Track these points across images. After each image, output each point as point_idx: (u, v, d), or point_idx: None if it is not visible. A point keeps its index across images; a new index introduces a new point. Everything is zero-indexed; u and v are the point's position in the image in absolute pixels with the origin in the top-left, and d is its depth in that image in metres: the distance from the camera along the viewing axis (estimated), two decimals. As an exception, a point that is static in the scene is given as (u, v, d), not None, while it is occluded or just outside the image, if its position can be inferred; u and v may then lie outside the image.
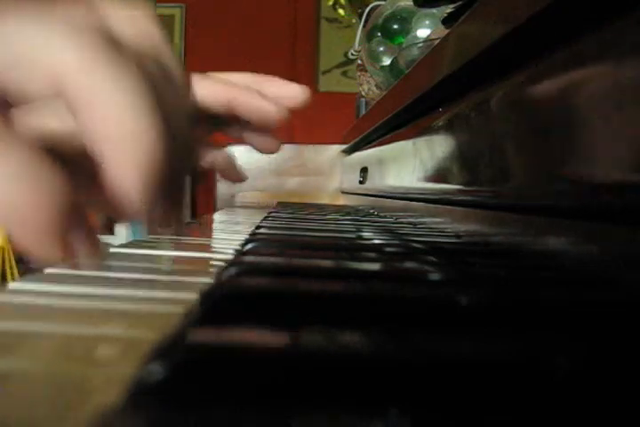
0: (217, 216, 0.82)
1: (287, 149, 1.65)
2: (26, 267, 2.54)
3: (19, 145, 0.18)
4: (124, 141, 0.20)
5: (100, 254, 0.20)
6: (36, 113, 0.21)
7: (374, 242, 0.43)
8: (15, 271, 2.48)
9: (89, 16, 0.21)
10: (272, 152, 0.45)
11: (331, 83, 2.99)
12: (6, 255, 2.50)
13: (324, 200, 1.45)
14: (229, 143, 0.51)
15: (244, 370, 0.13)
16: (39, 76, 0.19)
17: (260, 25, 3.02)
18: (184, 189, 0.25)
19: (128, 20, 0.23)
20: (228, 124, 0.46)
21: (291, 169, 1.59)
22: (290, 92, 0.43)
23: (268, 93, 0.43)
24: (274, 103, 0.42)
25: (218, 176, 0.47)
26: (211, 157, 0.46)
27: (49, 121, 0.21)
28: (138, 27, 0.23)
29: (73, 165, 0.22)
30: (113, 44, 0.20)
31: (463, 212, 0.39)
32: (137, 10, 0.24)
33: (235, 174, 0.48)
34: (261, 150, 0.46)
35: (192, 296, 0.22)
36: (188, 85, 0.25)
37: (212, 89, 0.42)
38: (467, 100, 0.38)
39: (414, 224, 0.54)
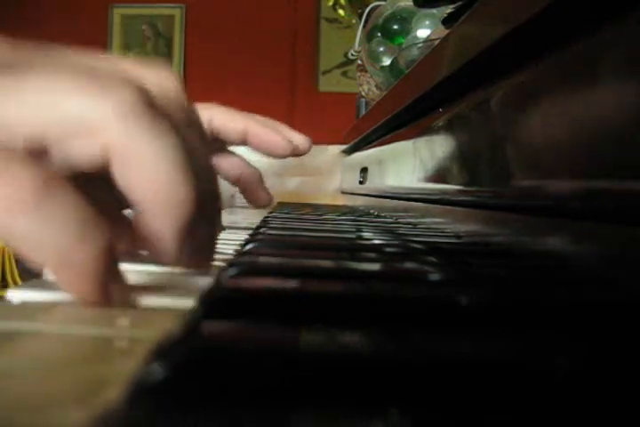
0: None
1: (287, 150, 1.64)
2: (26, 267, 2.54)
3: (64, 191, 0.18)
4: (164, 207, 0.21)
5: (129, 293, 0.21)
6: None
7: (374, 242, 0.43)
8: (15, 272, 2.48)
9: (119, 71, 0.22)
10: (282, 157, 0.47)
11: (331, 83, 2.99)
12: (6, 256, 2.50)
13: (324, 200, 1.45)
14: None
15: (245, 370, 0.13)
16: (80, 134, 0.20)
17: (260, 25, 3.02)
18: (215, 230, 0.26)
19: (150, 74, 0.24)
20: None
21: (290, 169, 1.60)
22: (296, 139, 0.46)
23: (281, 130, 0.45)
24: (286, 139, 0.45)
25: (242, 196, 0.48)
26: (236, 172, 0.47)
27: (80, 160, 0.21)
28: (159, 80, 0.24)
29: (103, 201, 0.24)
30: (149, 100, 0.21)
31: (463, 212, 0.39)
32: (155, 65, 0.25)
33: (260, 197, 0.49)
34: (254, 204, 0.47)
35: (192, 296, 0.22)
36: (204, 130, 0.26)
37: (232, 118, 0.45)
38: (467, 100, 0.38)
39: (414, 224, 0.54)
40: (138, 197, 0.21)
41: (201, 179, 0.22)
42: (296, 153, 0.46)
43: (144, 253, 0.24)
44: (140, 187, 0.21)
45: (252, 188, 0.47)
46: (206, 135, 0.26)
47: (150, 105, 0.21)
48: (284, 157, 0.45)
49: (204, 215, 0.23)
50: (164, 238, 0.22)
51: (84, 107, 0.20)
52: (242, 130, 0.44)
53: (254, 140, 0.45)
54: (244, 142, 0.46)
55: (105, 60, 0.24)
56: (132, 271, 0.25)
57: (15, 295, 0.22)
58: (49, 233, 0.18)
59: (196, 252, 0.25)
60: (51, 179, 0.18)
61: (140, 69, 0.24)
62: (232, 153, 0.47)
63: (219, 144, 0.46)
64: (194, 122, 0.25)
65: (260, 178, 0.48)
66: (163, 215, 0.21)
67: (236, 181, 0.47)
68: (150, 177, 0.21)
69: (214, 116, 0.44)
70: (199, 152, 0.23)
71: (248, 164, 0.47)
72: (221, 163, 0.46)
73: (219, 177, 0.47)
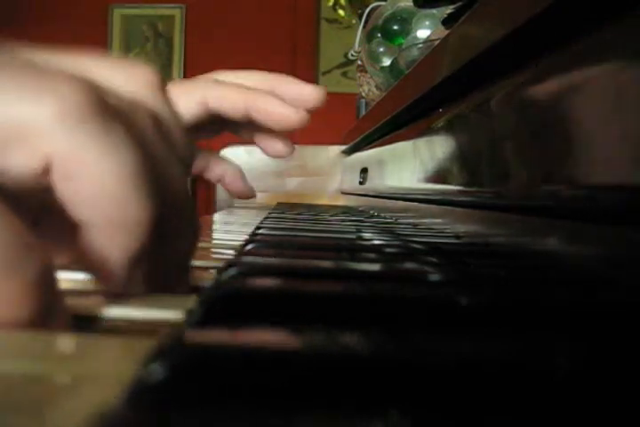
0: (217, 217, 0.82)
1: (287, 150, 1.65)
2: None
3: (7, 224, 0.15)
4: (111, 228, 0.18)
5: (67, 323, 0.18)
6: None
7: (374, 243, 0.43)
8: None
9: (73, 69, 0.19)
10: (282, 156, 0.44)
11: (331, 83, 2.99)
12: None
13: (324, 201, 1.45)
14: (229, 144, 0.51)
15: (244, 370, 0.13)
16: (16, 142, 0.17)
17: (260, 25, 3.02)
18: (184, 254, 0.23)
19: (124, 70, 0.21)
20: (239, 126, 0.45)
21: (291, 170, 1.60)
22: (305, 93, 0.41)
23: (284, 96, 0.40)
24: (292, 107, 0.40)
25: (224, 190, 0.46)
26: (219, 171, 0.45)
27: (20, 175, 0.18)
28: (134, 78, 0.21)
29: (45, 217, 0.21)
30: (100, 101, 0.18)
31: (463, 212, 0.39)
32: (132, 63, 0.22)
33: (242, 190, 0.46)
34: (271, 154, 0.44)
35: (192, 297, 0.21)
36: (183, 134, 0.23)
37: (228, 96, 0.40)
38: (467, 100, 0.38)
39: (414, 225, 0.54)
40: (82, 215, 0.18)
41: (167, 195, 0.20)
42: (308, 108, 0.40)
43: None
44: (84, 204, 0.18)
45: (233, 183, 0.46)
46: (181, 142, 0.22)
47: (102, 107, 0.18)
48: (293, 127, 0.41)
49: (168, 237, 0.20)
50: (111, 264, 0.19)
51: (20, 109, 0.17)
52: (242, 105, 0.39)
53: (257, 115, 0.40)
54: (247, 118, 0.42)
55: (68, 58, 0.20)
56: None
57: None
58: None
59: (162, 279, 0.22)
60: None
61: (109, 67, 0.21)
62: (212, 151, 0.45)
63: (216, 126, 0.43)
64: (167, 128, 0.21)
65: (240, 172, 0.46)
66: (110, 238, 0.18)
67: (218, 178, 0.45)
68: (95, 192, 0.18)
69: (209, 94, 0.40)
70: (167, 163, 0.20)
71: (227, 160, 0.46)
72: (201, 163, 0.44)
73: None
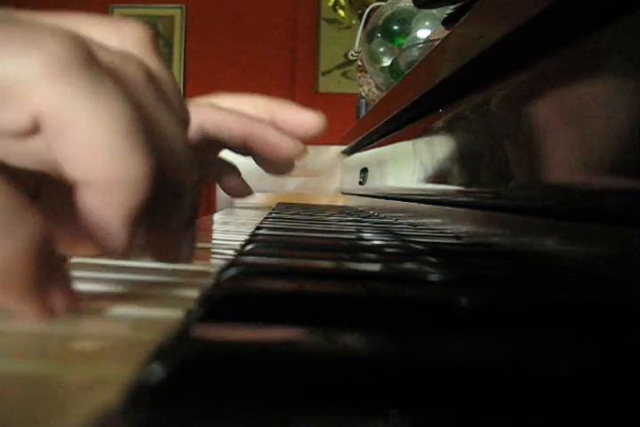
0: (217, 217, 0.82)
1: (287, 150, 1.65)
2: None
3: None
4: (108, 184, 0.18)
5: (77, 302, 0.18)
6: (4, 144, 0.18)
7: (374, 243, 0.43)
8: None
9: (62, 25, 0.18)
10: (282, 174, 0.43)
11: (331, 84, 2.99)
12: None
13: (324, 201, 1.45)
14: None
15: (245, 370, 0.13)
16: (4, 99, 0.16)
17: (260, 26, 3.02)
18: (185, 215, 0.22)
19: (113, 29, 0.20)
20: (237, 149, 0.44)
21: (290, 170, 1.59)
22: (306, 121, 0.41)
23: (283, 125, 0.40)
24: (290, 138, 0.40)
25: (222, 190, 0.46)
26: (216, 171, 0.44)
27: (18, 151, 0.18)
28: (124, 36, 0.20)
29: (45, 192, 0.20)
30: (90, 55, 0.17)
31: (463, 213, 0.39)
32: (125, 21, 0.21)
33: (239, 188, 0.46)
34: (270, 172, 0.44)
35: (192, 297, 0.22)
36: (179, 93, 0.22)
37: (226, 124, 0.40)
38: (467, 101, 0.38)
39: (414, 225, 0.54)
40: (76, 173, 0.17)
41: (164, 150, 0.19)
42: (309, 135, 0.41)
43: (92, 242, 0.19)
44: (78, 161, 0.17)
45: (231, 182, 0.45)
46: (175, 97, 0.22)
47: (91, 60, 0.17)
48: (291, 159, 0.41)
49: (169, 197, 0.20)
50: (110, 224, 0.18)
51: (6, 64, 0.16)
52: (240, 134, 0.38)
53: (255, 145, 0.41)
54: (244, 147, 0.42)
55: (56, 18, 0.19)
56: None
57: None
58: None
59: (163, 240, 0.21)
60: None
61: (98, 25, 0.20)
62: (207, 151, 0.45)
63: (215, 149, 0.44)
64: (160, 83, 0.21)
65: (237, 171, 0.46)
66: (107, 195, 0.18)
67: (215, 178, 0.45)
68: (89, 148, 0.17)
69: (207, 121, 0.39)
70: (162, 117, 0.20)
71: (223, 160, 0.46)
72: (201, 162, 0.44)
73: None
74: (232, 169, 0.44)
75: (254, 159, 0.43)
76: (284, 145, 0.39)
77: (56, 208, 0.20)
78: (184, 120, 0.22)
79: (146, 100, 0.19)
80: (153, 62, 0.21)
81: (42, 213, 0.16)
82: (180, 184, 0.21)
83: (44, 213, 0.17)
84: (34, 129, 0.17)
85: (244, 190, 0.45)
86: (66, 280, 0.18)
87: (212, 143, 0.41)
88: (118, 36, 0.20)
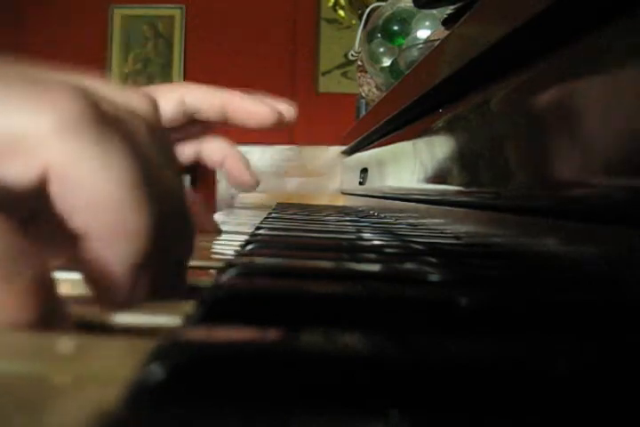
0: (217, 217, 0.82)
1: (287, 150, 1.65)
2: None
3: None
4: (111, 237, 0.18)
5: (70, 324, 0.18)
6: None
7: (374, 243, 0.43)
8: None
9: (68, 80, 0.19)
10: (247, 187, 0.44)
11: (331, 84, 2.99)
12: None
13: (324, 201, 1.45)
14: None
15: (244, 371, 0.13)
16: (14, 153, 0.17)
17: (260, 26, 3.02)
18: (182, 267, 0.23)
19: (119, 92, 0.21)
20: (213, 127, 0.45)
21: (290, 170, 1.60)
22: (257, 112, 0.41)
23: (234, 115, 0.41)
24: (267, 106, 0.40)
25: (227, 180, 0.45)
26: (219, 155, 0.44)
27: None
28: (127, 97, 0.21)
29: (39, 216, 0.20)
30: (99, 112, 0.18)
31: (463, 213, 0.39)
32: (134, 90, 0.22)
33: (245, 177, 0.45)
34: (234, 184, 0.44)
35: (191, 300, 0.21)
36: (174, 149, 0.23)
37: (206, 95, 0.41)
38: (467, 101, 0.38)
39: (414, 225, 0.54)
40: (81, 225, 0.18)
41: (165, 205, 0.19)
42: (281, 121, 0.40)
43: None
44: (82, 213, 0.18)
45: (236, 170, 0.45)
46: (176, 158, 0.23)
47: (99, 116, 0.18)
48: (270, 126, 0.42)
49: (168, 247, 0.20)
50: (112, 275, 0.19)
51: (19, 120, 0.17)
52: (219, 104, 0.40)
53: (234, 114, 0.40)
54: (224, 118, 0.42)
55: (65, 76, 0.20)
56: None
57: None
58: None
59: (162, 280, 0.21)
60: None
61: (109, 88, 0.21)
62: (214, 136, 0.44)
63: (197, 127, 0.42)
64: (163, 143, 0.21)
65: (244, 160, 0.45)
66: (111, 247, 0.18)
67: (219, 163, 0.44)
68: (94, 201, 0.17)
69: (187, 95, 0.40)
70: (162, 166, 0.20)
71: (231, 146, 0.45)
72: (204, 147, 0.43)
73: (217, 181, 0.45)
74: (237, 154, 0.44)
75: (224, 174, 0.44)
76: (262, 112, 0.40)
77: (47, 235, 0.20)
78: (180, 168, 0.23)
79: (147, 150, 0.20)
80: (151, 111, 0.21)
81: (37, 246, 0.16)
82: (176, 227, 0.21)
83: (39, 246, 0.17)
84: (41, 181, 0.17)
85: (249, 180, 0.45)
86: (65, 313, 0.18)
87: (194, 119, 0.41)
88: (125, 97, 0.21)
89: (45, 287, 0.16)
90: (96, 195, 0.17)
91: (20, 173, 0.17)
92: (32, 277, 0.16)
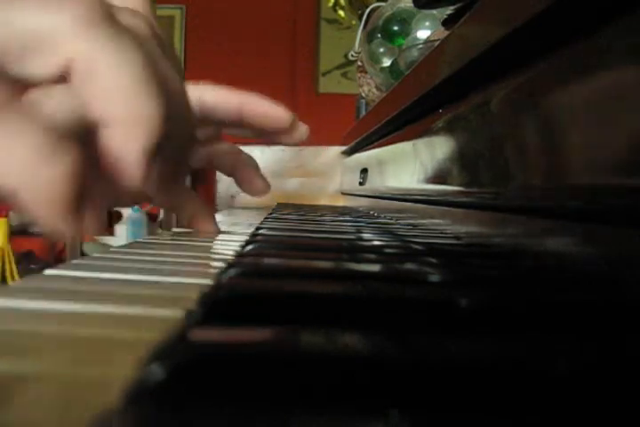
0: (217, 217, 0.82)
1: (287, 151, 1.65)
2: (25, 268, 2.54)
3: (33, 122, 0.18)
4: (127, 121, 0.20)
5: (101, 229, 0.21)
6: (43, 99, 0.20)
7: (374, 243, 0.43)
8: (15, 272, 2.48)
9: None
10: (260, 194, 0.44)
11: (331, 84, 2.99)
12: (6, 256, 2.50)
13: (324, 201, 1.45)
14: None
15: (244, 371, 0.13)
16: (39, 49, 0.19)
17: (260, 26, 3.02)
18: (187, 161, 0.25)
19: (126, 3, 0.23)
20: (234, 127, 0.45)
21: (291, 170, 1.60)
22: (274, 114, 0.42)
23: (251, 116, 0.42)
24: (283, 109, 0.41)
25: (239, 186, 0.45)
26: (231, 161, 0.44)
27: (56, 106, 0.20)
28: (135, 10, 0.23)
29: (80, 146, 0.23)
30: (110, 13, 0.20)
31: (463, 213, 0.39)
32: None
33: (257, 184, 0.46)
34: (248, 193, 0.45)
35: (192, 297, 0.22)
36: (174, 48, 0.26)
37: (223, 95, 0.42)
38: (467, 101, 0.38)
39: (414, 225, 0.54)
40: (99, 111, 0.20)
41: (168, 95, 0.21)
42: (295, 125, 0.41)
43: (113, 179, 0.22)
44: (102, 99, 0.20)
45: (248, 175, 0.45)
46: (177, 58, 0.25)
47: (112, 18, 0.20)
48: (285, 128, 0.42)
49: (173, 143, 0.22)
50: (128, 158, 0.21)
51: (42, 20, 0.19)
52: (236, 105, 0.41)
53: (251, 114, 0.42)
54: (239, 119, 0.42)
55: None
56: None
57: (17, 287, 0.22)
58: (15, 149, 0.17)
59: (163, 184, 0.24)
60: (19, 112, 0.18)
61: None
62: (225, 142, 0.45)
63: (213, 129, 0.43)
64: (162, 42, 0.24)
65: (255, 165, 0.46)
66: (127, 132, 0.20)
67: (231, 169, 0.44)
68: (113, 89, 0.20)
69: (205, 94, 0.41)
70: (165, 66, 0.22)
71: (242, 151, 0.45)
72: (215, 151, 0.43)
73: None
74: (249, 161, 0.45)
75: (235, 180, 0.44)
76: (279, 114, 0.40)
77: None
78: (181, 71, 0.25)
79: (154, 53, 0.22)
80: (153, 19, 0.24)
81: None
82: (177, 124, 0.23)
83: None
84: (64, 73, 0.19)
85: (262, 187, 0.45)
86: (96, 206, 0.20)
87: (209, 119, 0.42)
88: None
89: (80, 176, 0.19)
90: (114, 84, 0.20)
91: (45, 65, 0.19)
92: (70, 161, 0.18)
